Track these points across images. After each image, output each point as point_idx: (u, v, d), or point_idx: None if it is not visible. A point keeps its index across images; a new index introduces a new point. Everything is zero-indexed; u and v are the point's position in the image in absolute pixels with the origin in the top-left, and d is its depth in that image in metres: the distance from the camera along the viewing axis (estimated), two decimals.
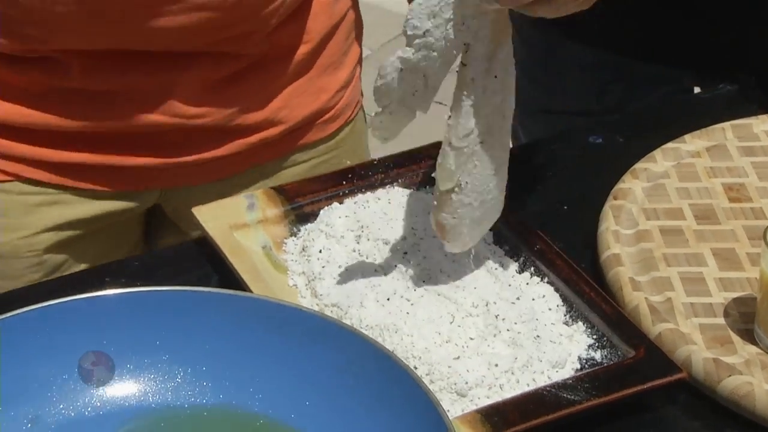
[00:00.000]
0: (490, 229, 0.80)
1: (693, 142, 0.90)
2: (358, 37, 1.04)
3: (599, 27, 1.08)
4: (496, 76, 0.72)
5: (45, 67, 0.87)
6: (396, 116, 0.72)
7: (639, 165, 0.87)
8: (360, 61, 1.04)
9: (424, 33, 0.69)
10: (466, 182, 0.74)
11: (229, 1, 0.85)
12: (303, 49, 0.96)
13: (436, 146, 0.89)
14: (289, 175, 0.97)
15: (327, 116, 0.98)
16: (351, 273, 0.77)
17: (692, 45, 1.08)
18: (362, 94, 1.05)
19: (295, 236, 0.82)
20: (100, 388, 0.66)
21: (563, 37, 1.13)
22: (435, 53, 0.69)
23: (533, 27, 1.15)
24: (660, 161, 0.87)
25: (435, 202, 0.76)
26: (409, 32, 0.69)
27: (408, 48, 0.69)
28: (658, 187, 0.85)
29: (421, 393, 0.60)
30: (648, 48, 1.10)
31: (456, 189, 0.74)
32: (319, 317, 0.67)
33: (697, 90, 1.15)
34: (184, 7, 0.84)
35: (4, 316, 0.64)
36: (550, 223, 0.84)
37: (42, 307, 0.65)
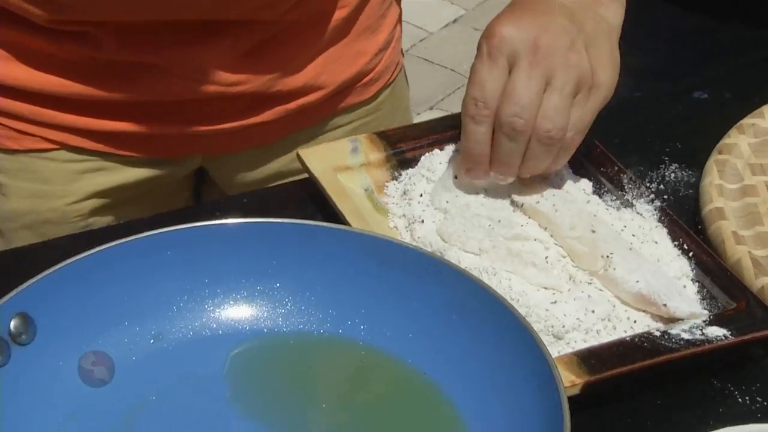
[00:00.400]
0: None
1: None
2: (395, 9, 1.02)
3: None
4: None
5: (81, 40, 0.87)
6: None
7: (746, 120, 0.86)
8: (399, 21, 1.03)
9: (447, 203, 0.75)
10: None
11: None
12: (338, 15, 0.95)
13: None
14: (329, 139, 0.97)
15: (366, 79, 0.98)
16: (451, 216, 0.77)
17: None
18: (403, 54, 1.04)
19: (397, 180, 0.82)
20: (216, 311, 0.67)
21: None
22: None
23: None
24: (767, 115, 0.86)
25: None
26: (436, 206, 0.75)
27: None
28: (765, 143, 0.84)
29: (525, 331, 0.61)
30: (735, 12, 1.08)
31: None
32: (427, 254, 0.68)
33: None
34: None
35: (132, 238, 0.66)
36: (654, 178, 0.83)
37: (169, 231, 0.67)
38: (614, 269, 0.71)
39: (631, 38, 1.12)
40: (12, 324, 0.60)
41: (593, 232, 0.74)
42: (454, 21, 2.58)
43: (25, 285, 0.60)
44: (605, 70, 0.76)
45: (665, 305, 0.70)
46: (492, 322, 0.63)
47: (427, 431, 0.63)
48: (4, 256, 0.81)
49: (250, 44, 0.90)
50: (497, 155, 0.74)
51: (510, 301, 0.73)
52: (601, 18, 0.78)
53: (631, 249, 0.74)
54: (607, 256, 0.72)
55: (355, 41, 0.97)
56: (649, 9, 1.13)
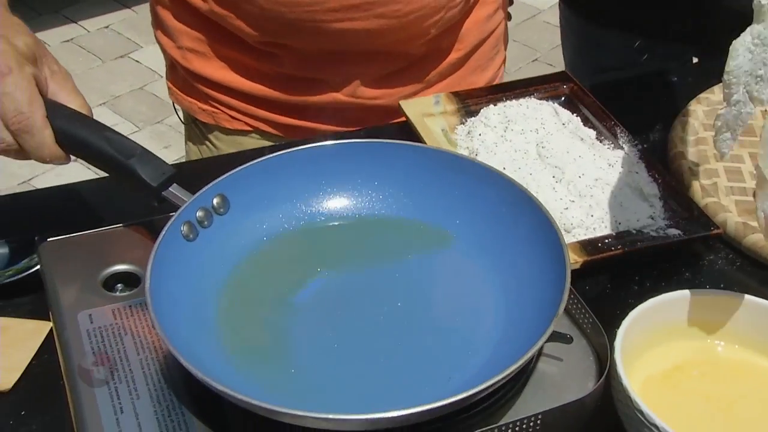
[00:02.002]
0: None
1: None
2: (504, 44, 0.97)
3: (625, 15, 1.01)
4: None
5: (272, 58, 0.85)
6: (739, 112, 0.53)
7: (702, 95, 0.84)
8: (504, 62, 0.98)
9: None
10: None
11: (402, 11, 0.81)
12: (456, 54, 0.90)
13: (560, 75, 0.89)
14: None
15: None
16: (498, 150, 0.77)
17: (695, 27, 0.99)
18: None
19: (464, 124, 0.81)
20: (333, 198, 0.63)
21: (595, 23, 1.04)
22: None
23: (575, 15, 1.08)
24: (717, 93, 0.84)
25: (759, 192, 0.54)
26: (764, 1, 0.50)
27: (759, 22, 0.51)
28: (714, 110, 0.82)
29: (547, 221, 0.59)
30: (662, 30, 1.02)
31: None
32: (483, 165, 0.65)
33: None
34: (369, 15, 0.81)
35: (271, 157, 0.63)
36: (640, 131, 0.81)
37: (315, 146, 0.64)
38: None
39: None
40: (214, 201, 0.60)
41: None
42: None
43: (223, 176, 0.60)
44: None
45: None
46: (526, 213, 0.60)
47: (458, 278, 0.59)
48: (212, 161, 0.84)
49: (389, 70, 0.88)
50: None
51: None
52: None
53: None
54: None
55: (468, 75, 0.92)
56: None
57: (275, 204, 0.62)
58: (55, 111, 0.58)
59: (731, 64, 0.51)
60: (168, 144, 1.96)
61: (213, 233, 0.58)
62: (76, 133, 0.58)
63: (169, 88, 0.95)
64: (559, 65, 1.20)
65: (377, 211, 0.64)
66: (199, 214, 0.58)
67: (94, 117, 0.61)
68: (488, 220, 0.62)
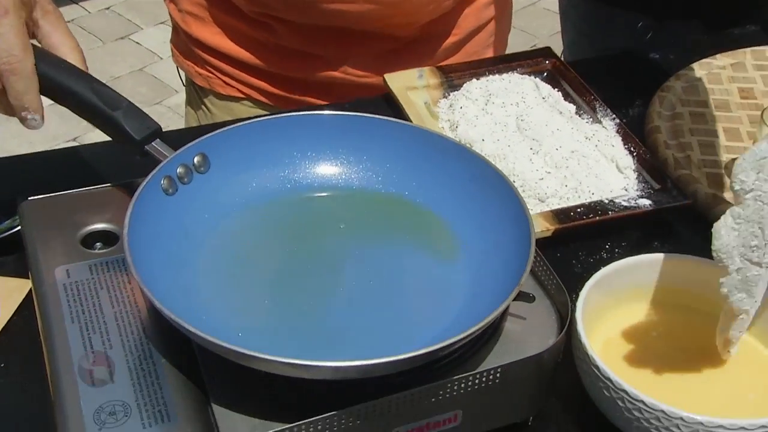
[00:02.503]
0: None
1: (722, 59, 0.87)
2: (503, 33, 0.97)
3: None
4: None
5: (268, 28, 0.86)
6: (745, 276, 0.51)
7: (681, 71, 0.85)
8: (504, 51, 0.98)
9: (752, 187, 0.51)
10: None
11: (391, 1, 0.81)
12: (451, 39, 0.90)
13: (543, 50, 0.90)
14: None
15: None
16: (478, 122, 0.78)
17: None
18: None
19: (446, 98, 0.83)
20: (312, 167, 0.63)
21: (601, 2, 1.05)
22: (766, 205, 0.50)
23: None
24: (696, 70, 0.85)
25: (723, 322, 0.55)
26: (737, 187, 0.51)
27: (738, 204, 0.51)
28: (692, 86, 0.84)
29: (513, 195, 0.60)
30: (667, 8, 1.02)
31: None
32: (456, 143, 0.66)
33: None
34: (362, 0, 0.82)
35: (256, 120, 0.64)
36: (618, 108, 0.83)
37: (298, 114, 0.65)
38: None
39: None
40: (195, 159, 0.60)
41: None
42: None
43: (206, 136, 0.61)
44: None
45: None
46: (494, 187, 0.61)
47: (431, 244, 0.60)
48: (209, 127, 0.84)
49: (382, 50, 0.89)
50: None
51: (512, 176, 0.74)
52: None
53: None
54: None
55: (463, 60, 0.91)
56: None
57: (256, 168, 0.63)
58: (44, 58, 0.58)
59: (716, 243, 0.52)
60: (167, 125, 1.97)
61: (193, 190, 0.59)
62: (63, 82, 0.59)
63: (171, 50, 0.97)
64: (558, 52, 1.21)
65: (356, 183, 0.65)
66: (180, 170, 0.59)
67: None
68: (459, 192, 0.63)
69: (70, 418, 0.49)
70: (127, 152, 0.61)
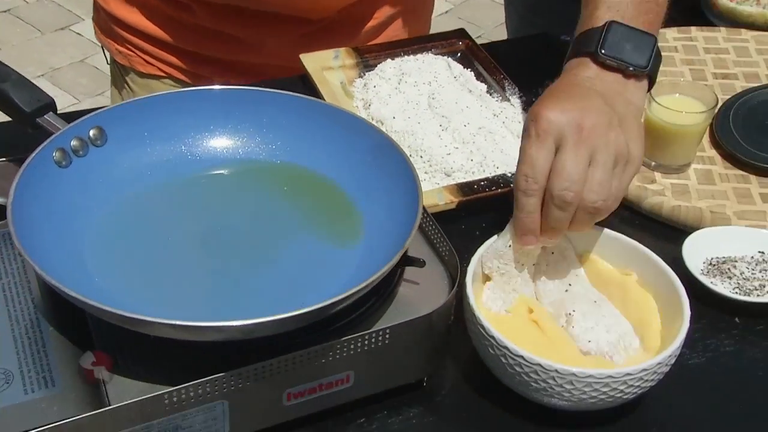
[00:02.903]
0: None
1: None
2: (426, 16, 0.98)
3: None
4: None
5: (187, 8, 0.87)
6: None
7: None
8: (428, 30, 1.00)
9: (497, 268, 0.61)
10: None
11: None
12: (371, 23, 0.91)
13: (457, 32, 0.92)
14: None
15: None
16: (391, 101, 0.80)
17: None
18: None
19: (361, 77, 0.85)
20: (208, 141, 0.64)
21: None
22: (511, 276, 0.61)
23: None
24: None
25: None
26: (486, 271, 0.61)
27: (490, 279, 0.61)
28: None
29: (407, 167, 0.61)
30: None
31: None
32: (361, 119, 0.67)
33: None
34: None
35: (153, 95, 0.65)
36: (528, 88, 0.84)
37: (182, 91, 0.66)
38: (573, 327, 0.60)
39: None
40: (91, 132, 0.61)
41: (566, 291, 0.62)
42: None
43: (102, 109, 0.62)
44: (636, 145, 0.61)
45: (611, 358, 0.59)
46: (391, 159, 0.62)
47: (331, 224, 0.62)
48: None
49: (301, 33, 0.89)
50: (548, 223, 0.60)
51: (420, 151, 0.75)
52: (628, 101, 0.64)
53: (595, 303, 0.62)
54: (570, 314, 0.61)
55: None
56: None
57: (153, 142, 0.64)
58: None
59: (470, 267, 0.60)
60: None
61: (89, 163, 0.60)
62: None
63: (94, 28, 0.98)
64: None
65: (250, 154, 0.66)
66: (74, 143, 0.60)
67: None
68: (354, 161, 0.64)
69: None
70: (18, 125, 0.62)
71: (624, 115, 0.62)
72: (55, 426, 0.46)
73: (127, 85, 0.96)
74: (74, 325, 0.53)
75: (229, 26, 0.89)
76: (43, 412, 0.48)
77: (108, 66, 1.00)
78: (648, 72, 0.65)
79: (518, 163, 0.61)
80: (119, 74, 0.97)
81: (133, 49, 0.93)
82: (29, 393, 0.49)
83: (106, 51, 0.98)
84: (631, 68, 0.64)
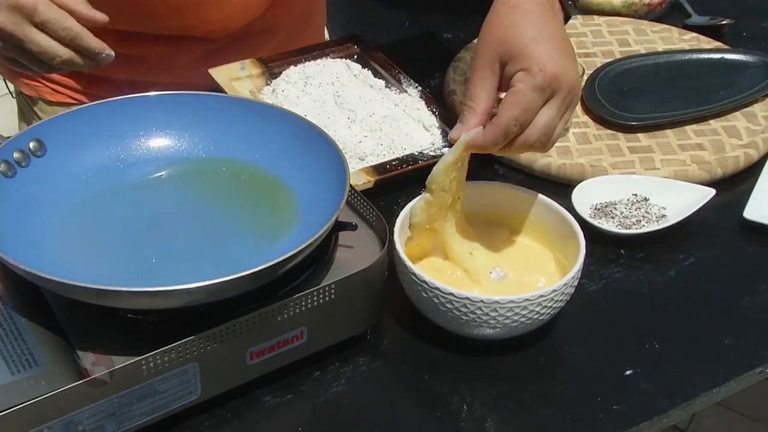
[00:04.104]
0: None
1: None
2: (321, 26, 1.04)
3: None
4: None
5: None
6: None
7: (469, 44, 0.98)
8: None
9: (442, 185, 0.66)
10: None
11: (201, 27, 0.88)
12: (272, 35, 0.95)
13: (351, 37, 0.98)
14: None
15: None
16: (300, 102, 0.86)
17: None
18: None
19: (269, 85, 0.90)
20: (145, 143, 0.69)
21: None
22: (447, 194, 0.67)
23: None
24: None
25: None
26: (432, 187, 0.66)
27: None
28: None
29: (335, 151, 0.68)
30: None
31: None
32: (283, 110, 0.74)
33: None
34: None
35: (86, 105, 0.70)
36: (421, 80, 0.93)
37: (115, 99, 0.71)
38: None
39: None
40: (31, 144, 0.65)
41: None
42: None
43: (39, 122, 0.67)
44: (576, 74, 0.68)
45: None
46: (318, 144, 0.68)
47: (269, 207, 0.67)
48: None
49: (206, 50, 0.94)
50: (509, 148, 0.67)
51: (334, 139, 0.81)
52: (560, 17, 0.71)
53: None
54: (471, 253, 0.70)
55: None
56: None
57: (91, 148, 0.68)
58: None
59: (413, 220, 0.68)
60: None
61: (31, 173, 0.65)
62: None
63: None
64: None
65: (194, 153, 0.71)
66: (17, 155, 0.64)
67: None
68: (286, 148, 0.70)
69: None
70: None
71: (567, 40, 0.68)
72: (46, 397, 0.51)
73: (36, 115, 0.99)
74: (44, 313, 0.57)
75: (135, 48, 0.93)
76: (32, 388, 0.51)
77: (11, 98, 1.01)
78: (571, 16, 0.72)
79: (514, 104, 0.65)
80: (27, 105, 0.99)
81: (40, 80, 0.95)
82: (15, 374, 0.53)
83: (9, 83, 1.00)
84: (569, 2, 0.71)
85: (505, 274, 0.69)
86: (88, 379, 0.52)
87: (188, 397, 0.58)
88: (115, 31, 0.89)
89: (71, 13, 0.70)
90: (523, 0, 0.69)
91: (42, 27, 0.69)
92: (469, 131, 0.67)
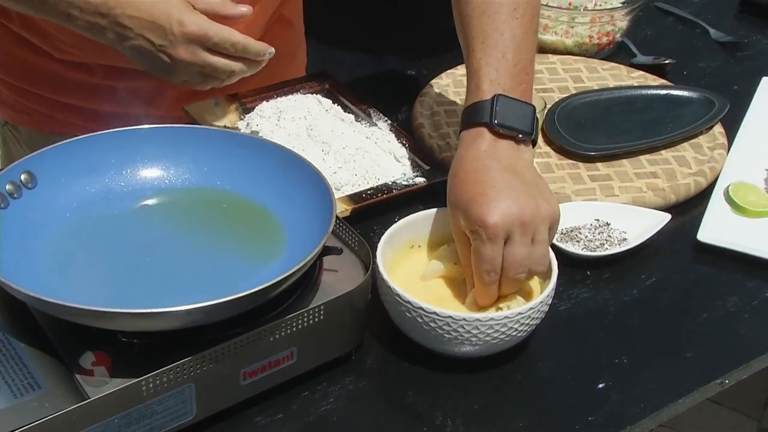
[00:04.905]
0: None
1: (462, 69, 1.06)
2: (301, 62, 1.06)
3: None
4: None
5: (83, 69, 0.92)
6: None
7: (432, 81, 1.02)
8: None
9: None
10: None
11: None
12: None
13: (321, 73, 1.02)
14: None
15: None
16: (274, 136, 0.88)
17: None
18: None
19: (242, 119, 0.92)
20: (135, 174, 0.71)
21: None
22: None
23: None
24: (444, 78, 1.03)
25: None
26: None
27: None
28: (443, 91, 1.01)
29: (320, 180, 0.71)
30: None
31: None
32: (265, 140, 0.77)
33: None
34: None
35: (76, 138, 0.70)
36: (389, 113, 0.96)
37: (104, 133, 0.72)
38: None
39: None
40: (22, 176, 0.66)
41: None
42: None
43: (29, 155, 0.67)
44: (555, 203, 0.70)
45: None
46: (303, 174, 0.71)
47: (257, 233, 0.69)
48: None
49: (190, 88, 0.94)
50: (501, 291, 0.69)
51: None
52: (528, 163, 0.72)
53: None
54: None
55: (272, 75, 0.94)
56: None
57: (81, 179, 0.70)
58: None
59: None
60: None
61: (24, 203, 0.66)
62: None
63: None
64: None
65: (178, 182, 0.74)
66: (8, 187, 0.65)
67: None
68: (271, 179, 0.73)
69: None
70: None
71: (534, 181, 0.70)
72: (50, 418, 0.51)
73: (21, 145, 0.98)
74: (42, 338, 0.58)
75: (125, 81, 0.93)
76: (36, 410, 0.52)
77: None
78: (533, 136, 0.73)
79: (477, 261, 0.68)
80: (11, 135, 0.99)
81: (29, 110, 0.95)
82: (19, 397, 0.53)
83: None
84: (520, 135, 0.72)
85: None
86: (90, 400, 0.53)
87: (184, 418, 0.59)
88: (106, 66, 0.92)
89: (224, 18, 0.74)
90: (464, 161, 0.71)
91: (214, 49, 0.73)
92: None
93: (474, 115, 0.73)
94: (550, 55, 1.11)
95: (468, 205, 0.68)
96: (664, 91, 1.04)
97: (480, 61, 0.74)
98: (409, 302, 0.67)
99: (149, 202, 0.72)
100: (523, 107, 0.73)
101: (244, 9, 0.77)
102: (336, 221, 0.72)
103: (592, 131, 0.96)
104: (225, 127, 0.93)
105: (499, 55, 0.74)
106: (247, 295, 0.58)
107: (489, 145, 0.72)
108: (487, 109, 0.72)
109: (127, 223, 0.69)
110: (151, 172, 0.73)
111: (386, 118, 0.96)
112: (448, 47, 1.11)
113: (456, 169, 0.72)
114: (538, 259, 0.68)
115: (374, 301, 0.70)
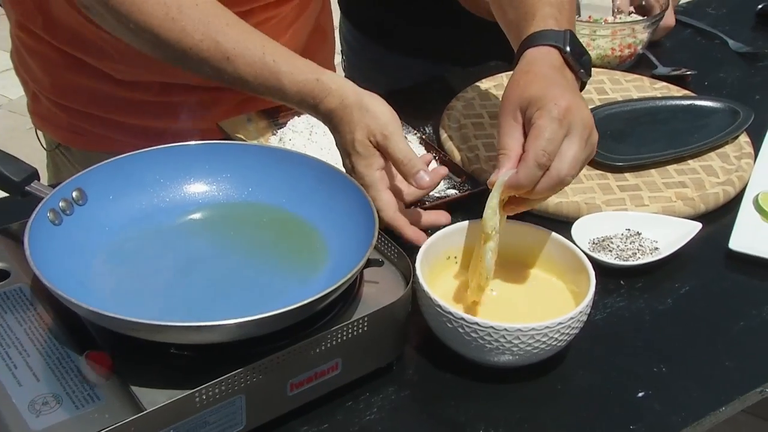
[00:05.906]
0: None
1: (487, 82, 1.06)
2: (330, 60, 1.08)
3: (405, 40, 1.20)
4: None
5: (139, 87, 0.93)
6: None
7: (459, 94, 1.03)
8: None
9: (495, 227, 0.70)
10: None
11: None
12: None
13: None
14: None
15: None
16: (307, 150, 0.90)
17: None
18: None
19: (275, 135, 0.94)
20: (182, 189, 0.72)
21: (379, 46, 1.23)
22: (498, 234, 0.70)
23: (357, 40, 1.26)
24: (470, 92, 1.04)
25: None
26: (488, 230, 0.70)
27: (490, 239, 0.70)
28: (469, 104, 1.02)
29: (361, 194, 0.71)
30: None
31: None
32: (309, 157, 0.76)
33: None
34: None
35: (125, 155, 0.72)
36: (417, 127, 0.97)
37: (152, 149, 0.73)
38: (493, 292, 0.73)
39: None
40: (74, 193, 0.68)
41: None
42: None
43: (80, 173, 0.69)
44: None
45: None
46: (341, 187, 0.72)
47: (300, 246, 0.70)
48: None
49: (240, 99, 0.97)
50: (534, 192, 0.71)
51: None
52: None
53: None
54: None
55: None
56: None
57: (130, 196, 0.71)
58: None
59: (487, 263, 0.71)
60: None
61: (75, 220, 0.67)
62: None
63: (32, 116, 0.99)
64: None
65: (224, 197, 0.75)
66: (62, 204, 0.67)
67: None
68: (315, 193, 0.74)
69: (5, 413, 0.54)
70: (9, 192, 0.67)
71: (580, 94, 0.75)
72: (111, 428, 0.52)
73: (70, 163, 0.99)
74: (95, 350, 0.59)
75: (177, 96, 0.95)
76: (98, 421, 0.53)
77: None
78: (587, 79, 0.79)
79: (537, 137, 0.69)
80: (61, 155, 1.00)
81: (83, 132, 0.96)
82: (80, 408, 0.54)
83: (41, 135, 1.01)
84: (582, 70, 0.78)
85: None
86: (147, 411, 0.54)
87: (234, 428, 0.60)
88: (161, 83, 0.93)
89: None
90: (537, 65, 0.75)
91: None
92: (505, 173, 0.71)
93: (545, 38, 0.77)
94: None
95: (544, 90, 0.71)
96: (687, 102, 1.05)
97: (543, 4, 0.79)
98: (450, 313, 0.67)
99: (195, 216, 0.73)
100: (585, 54, 0.78)
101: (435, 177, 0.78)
102: (378, 235, 0.73)
103: (618, 142, 0.97)
104: (258, 142, 0.94)
105: (555, 10, 0.79)
106: (297, 308, 0.59)
107: (560, 64, 0.76)
108: (560, 37, 0.77)
109: (174, 237, 0.70)
110: (196, 188, 0.74)
111: (415, 131, 0.97)
112: (473, 61, 1.15)
113: (523, 71, 0.75)
114: (583, 163, 0.71)
115: (412, 312, 0.71)
